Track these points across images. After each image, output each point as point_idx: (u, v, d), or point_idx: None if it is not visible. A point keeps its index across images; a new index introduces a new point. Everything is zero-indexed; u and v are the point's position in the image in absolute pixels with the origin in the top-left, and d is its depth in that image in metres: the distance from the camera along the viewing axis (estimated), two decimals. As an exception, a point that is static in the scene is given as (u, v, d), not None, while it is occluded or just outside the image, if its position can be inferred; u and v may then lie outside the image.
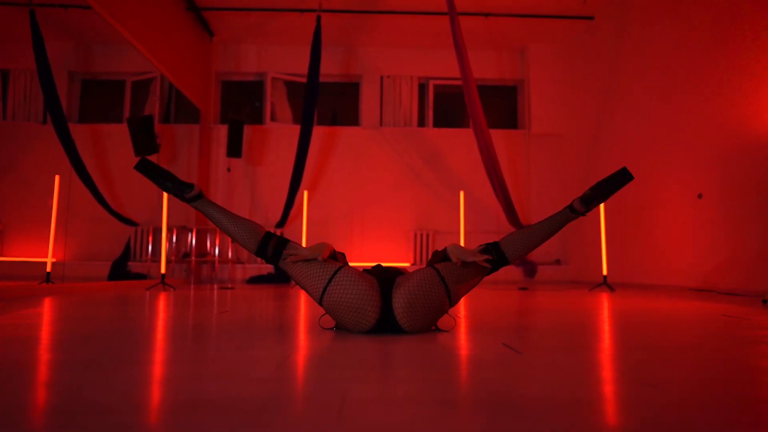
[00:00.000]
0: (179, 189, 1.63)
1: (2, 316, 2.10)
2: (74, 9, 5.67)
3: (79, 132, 6.27)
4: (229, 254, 6.86)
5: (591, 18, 6.51)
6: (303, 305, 2.77)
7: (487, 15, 6.36)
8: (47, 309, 2.43)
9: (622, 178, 1.63)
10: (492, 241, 1.66)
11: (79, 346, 1.32)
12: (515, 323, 2.06)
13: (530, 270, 6.87)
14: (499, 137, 7.14)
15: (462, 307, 2.63)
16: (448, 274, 1.53)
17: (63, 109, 5.72)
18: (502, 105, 7.87)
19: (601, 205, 4.83)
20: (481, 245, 1.64)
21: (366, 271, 1.64)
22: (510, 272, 6.92)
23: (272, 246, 1.58)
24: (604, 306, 2.86)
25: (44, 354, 1.20)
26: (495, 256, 1.60)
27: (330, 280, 1.48)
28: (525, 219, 7.12)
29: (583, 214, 1.65)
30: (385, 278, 1.55)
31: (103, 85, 7.43)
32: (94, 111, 7.31)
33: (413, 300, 1.48)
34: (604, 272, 4.67)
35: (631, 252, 5.75)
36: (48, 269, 4.05)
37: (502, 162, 7.05)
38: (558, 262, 7.14)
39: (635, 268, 5.63)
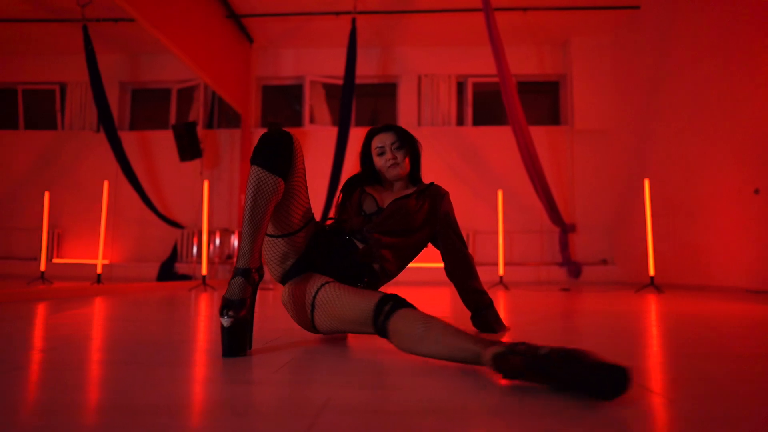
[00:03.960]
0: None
1: (56, 315, 2.23)
2: (123, 22, 5.94)
3: (129, 139, 6.55)
4: (271, 255, 6.98)
5: (637, 7, 6.24)
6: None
7: (525, 9, 6.21)
8: (97, 309, 2.55)
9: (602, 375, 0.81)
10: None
11: (123, 346, 1.37)
12: (550, 327, 1.99)
13: (575, 270, 6.66)
14: (540, 134, 6.96)
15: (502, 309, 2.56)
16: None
17: (114, 118, 5.99)
18: (544, 101, 7.67)
19: (647, 202, 4.60)
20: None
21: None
22: (554, 272, 6.74)
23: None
24: (652, 309, 2.73)
25: (95, 354, 1.25)
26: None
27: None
28: (569, 218, 6.90)
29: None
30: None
31: (151, 93, 7.74)
32: (143, 118, 7.63)
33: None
34: (651, 272, 4.46)
35: (680, 251, 5.46)
36: (99, 271, 4.25)
37: (544, 159, 6.87)
38: (604, 261, 6.88)
39: (685, 268, 5.35)
